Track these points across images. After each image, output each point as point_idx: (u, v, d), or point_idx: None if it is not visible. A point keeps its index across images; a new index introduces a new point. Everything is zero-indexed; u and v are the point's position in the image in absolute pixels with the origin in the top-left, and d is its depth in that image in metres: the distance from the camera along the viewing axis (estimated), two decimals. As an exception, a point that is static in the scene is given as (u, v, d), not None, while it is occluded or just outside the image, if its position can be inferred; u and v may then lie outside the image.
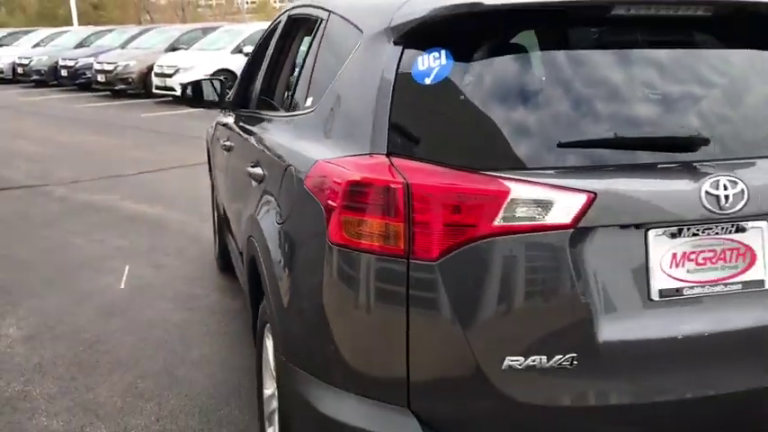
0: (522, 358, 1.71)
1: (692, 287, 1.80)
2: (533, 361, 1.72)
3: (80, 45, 21.37)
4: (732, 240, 1.83)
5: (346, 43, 2.10)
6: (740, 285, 1.84)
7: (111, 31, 22.77)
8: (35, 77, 21.28)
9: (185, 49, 17.32)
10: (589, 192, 1.70)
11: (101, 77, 17.77)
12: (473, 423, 1.78)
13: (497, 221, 1.68)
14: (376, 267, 1.74)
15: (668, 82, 1.91)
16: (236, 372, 3.52)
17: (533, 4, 1.84)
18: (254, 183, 2.61)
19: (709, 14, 1.92)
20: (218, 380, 3.46)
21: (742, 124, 1.93)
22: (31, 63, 21.48)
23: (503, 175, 1.71)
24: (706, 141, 1.80)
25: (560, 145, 1.76)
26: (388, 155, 1.79)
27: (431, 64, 1.82)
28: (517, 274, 1.71)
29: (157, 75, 16.14)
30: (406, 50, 1.84)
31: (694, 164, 1.79)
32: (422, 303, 1.71)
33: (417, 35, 1.83)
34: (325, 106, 2.10)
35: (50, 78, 20.65)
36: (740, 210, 1.77)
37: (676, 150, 1.81)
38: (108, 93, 18.41)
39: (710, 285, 1.82)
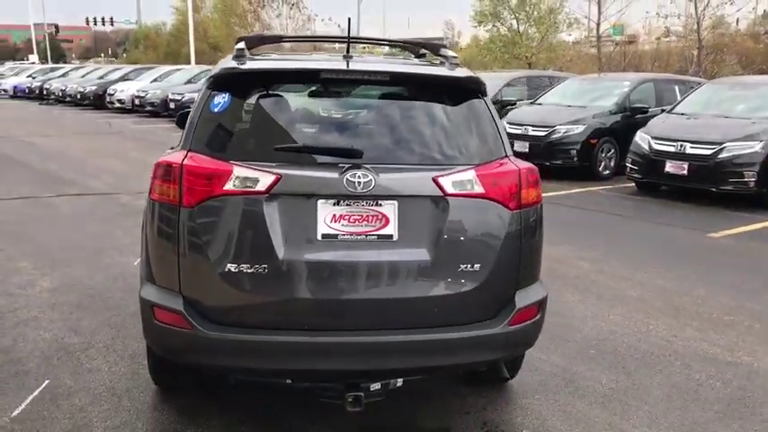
0: (236, 265, 3.07)
1: (344, 235, 3.10)
2: (242, 267, 3.07)
3: (189, 81, 24.02)
4: (373, 210, 3.12)
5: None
6: (376, 237, 3.12)
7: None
8: (149, 108, 24.16)
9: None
10: (277, 174, 3.05)
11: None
12: (213, 302, 3.14)
13: (226, 187, 3.06)
14: (164, 212, 3.15)
15: (349, 114, 3.25)
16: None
17: (267, 69, 3.26)
18: None
19: (387, 78, 3.26)
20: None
21: (387, 143, 3.23)
22: (147, 96, 24.40)
23: (236, 162, 3.09)
24: (359, 152, 3.11)
25: (276, 149, 3.13)
26: (189, 150, 3.22)
27: (219, 100, 3.26)
28: (235, 218, 3.07)
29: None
30: (211, 93, 3.29)
31: (344, 164, 3.11)
32: (186, 233, 3.10)
33: (216, 84, 3.28)
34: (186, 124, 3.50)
35: (162, 110, 23.44)
36: (371, 191, 3.06)
37: (342, 156, 3.13)
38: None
39: (357, 235, 3.11)
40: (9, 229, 7.74)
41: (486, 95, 3.43)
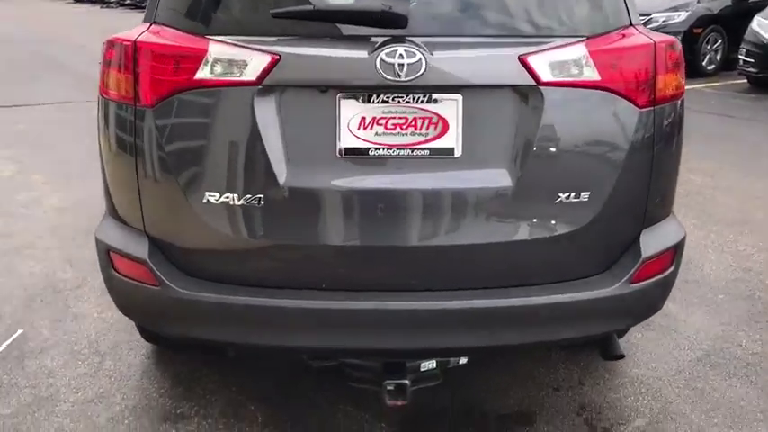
0: (218, 194, 2.03)
1: (378, 149, 2.01)
2: (227, 198, 2.03)
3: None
4: (424, 109, 2.00)
5: None
6: (428, 151, 2.01)
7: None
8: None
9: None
10: (274, 53, 1.95)
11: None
12: (188, 246, 2.14)
13: (199, 75, 1.99)
14: (117, 113, 2.12)
15: None
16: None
17: None
18: None
19: None
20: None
21: (445, 4, 2.06)
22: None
23: (215, 38, 2.01)
24: (402, 18, 1.96)
25: (273, 14, 2.01)
26: (152, 23, 2.15)
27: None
28: (213, 123, 2.02)
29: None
30: None
31: (378, 36, 1.97)
32: (146, 146, 2.07)
33: None
34: None
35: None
36: (420, 79, 1.94)
37: (375, 24, 1.98)
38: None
39: (398, 149, 2.01)
40: (32, 137, 6.97)
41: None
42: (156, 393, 2.76)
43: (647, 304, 2.28)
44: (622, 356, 2.46)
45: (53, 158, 6.13)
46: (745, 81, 9.58)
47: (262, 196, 2.02)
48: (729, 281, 3.77)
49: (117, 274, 2.21)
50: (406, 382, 2.16)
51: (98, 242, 2.28)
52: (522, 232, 2.07)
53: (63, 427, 2.54)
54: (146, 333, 2.80)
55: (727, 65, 10.24)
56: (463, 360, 2.34)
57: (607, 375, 2.90)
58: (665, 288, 2.29)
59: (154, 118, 2.03)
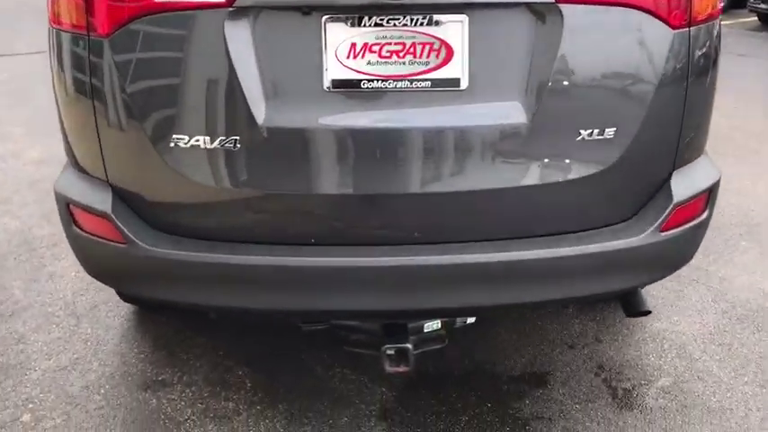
0: (186, 137, 1.76)
1: (372, 80, 1.73)
2: (197, 141, 1.76)
3: None
4: (424, 33, 1.71)
5: None
6: (429, 83, 1.73)
7: None
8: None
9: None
10: None
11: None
12: (157, 197, 1.88)
13: (158, -3, 1.69)
14: (69, 46, 1.83)
15: None
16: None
17: None
18: None
19: None
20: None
21: None
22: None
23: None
24: None
25: None
26: None
27: None
28: (178, 54, 1.73)
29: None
30: None
31: None
32: (103, 82, 1.79)
33: None
34: None
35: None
36: None
37: None
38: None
39: (395, 81, 1.73)
40: (14, 87, 6.64)
41: None
42: (135, 359, 2.54)
43: (678, 255, 2.02)
44: (648, 312, 2.21)
45: (35, 110, 5.81)
46: (756, 19, 9.18)
47: (237, 138, 1.75)
48: (752, 226, 3.52)
49: (79, 230, 1.96)
50: (408, 346, 1.92)
51: (57, 195, 2.01)
52: (539, 175, 1.80)
53: (32, 398, 2.32)
54: (125, 294, 2.56)
55: (737, 2, 9.80)
56: (471, 320, 2.10)
57: (625, 331, 2.67)
58: (697, 236, 2.03)
59: (111, 50, 1.75)
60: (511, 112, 1.75)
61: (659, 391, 2.35)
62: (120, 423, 2.24)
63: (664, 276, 2.10)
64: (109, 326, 2.73)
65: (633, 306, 2.19)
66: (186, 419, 2.25)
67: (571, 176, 1.80)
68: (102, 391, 2.37)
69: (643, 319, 2.70)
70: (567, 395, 2.34)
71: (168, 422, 2.24)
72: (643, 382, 2.40)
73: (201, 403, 2.32)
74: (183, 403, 2.32)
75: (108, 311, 2.81)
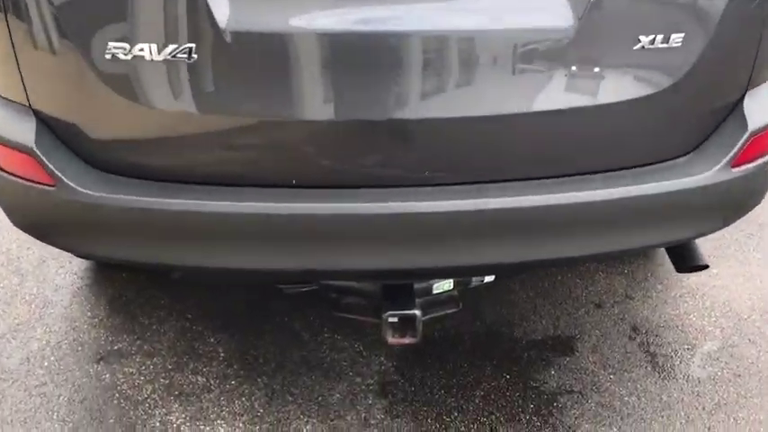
0: (126, 46, 1.33)
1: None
2: (141, 51, 1.33)
3: None
4: None
5: None
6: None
7: None
8: None
9: None
10: None
11: None
12: (90, 126, 1.46)
13: None
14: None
15: None
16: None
17: None
18: None
19: None
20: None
21: None
22: None
23: None
24: None
25: None
26: None
27: None
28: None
29: None
30: None
31: None
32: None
33: None
34: None
35: None
36: None
37: None
38: None
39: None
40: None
41: None
42: (87, 324, 2.15)
43: (750, 197, 1.64)
44: (706, 267, 1.82)
45: None
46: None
47: (193, 47, 1.32)
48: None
49: (-2, 170, 1.54)
50: (416, 312, 1.54)
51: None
52: (586, 95, 1.39)
53: (-42, 374, 1.94)
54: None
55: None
56: (489, 278, 1.72)
57: (659, 286, 2.31)
58: None
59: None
60: (552, 12, 1.34)
61: (706, 358, 2.01)
62: (66, 403, 1.87)
63: (729, 224, 1.72)
64: (58, 285, 2.33)
65: (687, 260, 1.80)
66: (146, 398, 1.88)
67: (626, 97, 1.40)
68: (46, 363, 1.99)
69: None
70: (599, 363, 1.99)
71: (124, 401, 1.87)
72: (686, 346, 2.05)
73: (165, 378, 1.95)
74: (142, 378, 1.95)
75: (58, 268, 2.41)
